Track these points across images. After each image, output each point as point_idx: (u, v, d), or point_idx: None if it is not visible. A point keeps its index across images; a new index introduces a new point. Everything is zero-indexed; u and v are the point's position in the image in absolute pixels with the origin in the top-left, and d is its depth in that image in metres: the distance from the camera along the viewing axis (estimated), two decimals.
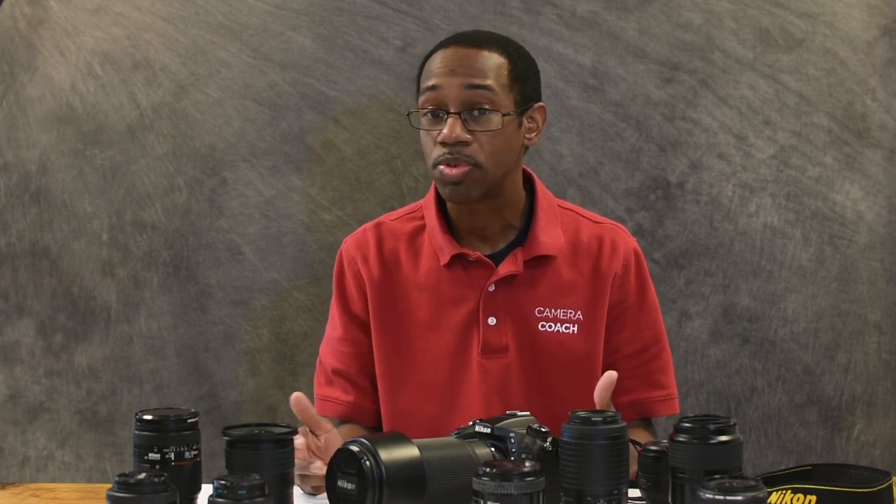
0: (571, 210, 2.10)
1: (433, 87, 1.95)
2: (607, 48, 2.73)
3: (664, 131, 2.73)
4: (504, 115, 1.95)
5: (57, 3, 2.78)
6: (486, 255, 2.03)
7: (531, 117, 2.02)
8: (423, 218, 2.09)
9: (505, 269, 2.01)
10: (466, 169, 1.94)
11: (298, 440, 1.76)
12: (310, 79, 2.76)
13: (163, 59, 2.77)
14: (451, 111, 1.94)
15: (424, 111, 1.97)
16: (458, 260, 2.03)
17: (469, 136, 1.94)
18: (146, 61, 2.78)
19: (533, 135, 2.03)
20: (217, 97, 2.77)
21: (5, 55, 2.79)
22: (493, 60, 1.97)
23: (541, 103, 2.03)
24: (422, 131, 1.98)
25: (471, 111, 1.94)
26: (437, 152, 1.95)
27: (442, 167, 1.95)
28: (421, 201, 2.13)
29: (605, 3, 2.72)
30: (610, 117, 2.73)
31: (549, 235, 2.03)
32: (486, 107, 1.95)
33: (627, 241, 2.07)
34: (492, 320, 2.01)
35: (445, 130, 1.93)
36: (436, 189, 2.08)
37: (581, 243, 2.04)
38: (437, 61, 1.97)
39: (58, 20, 2.78)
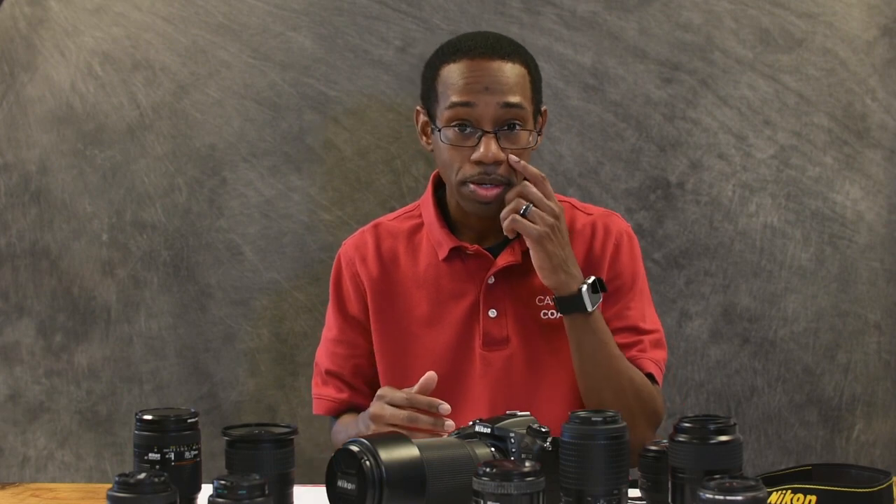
0: (566, 201, 2.11)
1: (467, 104, 1.94)
2: (607, 48, 2.73)
3: (664, 131, 2.73)
4: (532, 131, 1.97)
5: (57, 3, 2.78)
6: (484, 248, 2.03)
7: (541, 120, 2.03)
8: (420, 216, 2.10)
9: (504, 260, 2.02)
10: (500, 190, 1.96)
11: (400, 395, 1.78)
12: (310, 79, 2.76)
13: (163, 59, 2.77)
14: (487, 129, 1.94)
15: (456, 126, 1.96)
16: (456, 254, 2.04)
17: (504, 155, 1.94)
18: (146, 61, 2.78)
19: (540, 137, 2.04)
20: (217, 97, 2.77)
21: (5, 55, 2.79)
22: (518, 72, 1.97)
23: (544, 107, 2.05)
24: (444, 145, 1.97)
25: (503, 129, 1.95)
26: (469, 170, 1.95)
27: (474, 187, 1.95)
28: (418, 201, 2.14)
29: (605, 3, 2.72)
30: (610, 117, 2.73)
31: None
32: (519, 125, 1.96)
33: (619, 225, 2.09)
34: (492, 312, 2.02)
35: (482, 149, 1.93)
36: (433, 187, 2.09)
37: (576, 230, 2.06)
38: (465, 74, 1.95)
39: (58, 20, 2.78)
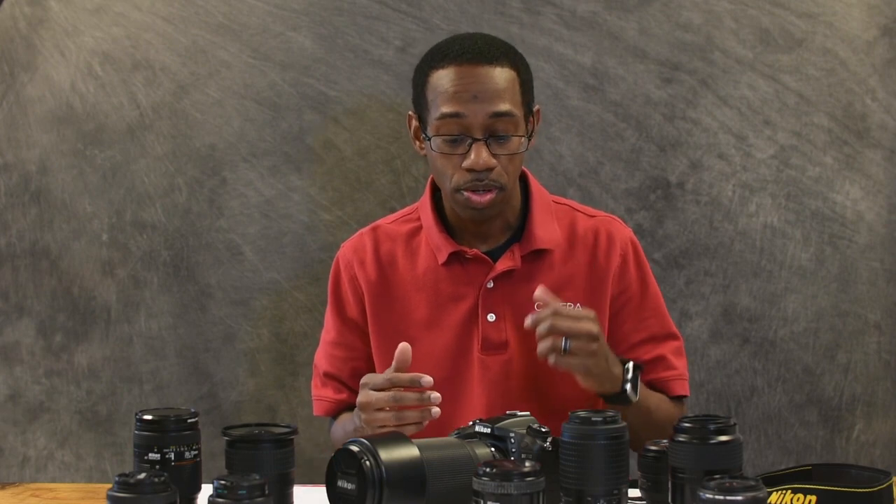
0: (566, 205, 2.11)
1: (457, 115, 1.92)
2: (607, 48, 2.73)
3: (664, 131, 2.73)
4: (523, 137, 1.96)
5: (57, 3, 2.78)
6: (483, 252, 2.03)
7: (532, 122, 2.02)
8: (419, 219, 2.09)
9: (503, 265, 2.01)
10: (493, 195, 1.95)
11: (381, 378, 1.77)
12: (310, 79, 2.76)
13: (163, 59, 2.77)
14: (477, 137, 1.93)
15: (446, 136, 1.94)
16: (455, 258, 2.03)
17: (495, 161, 1.93)
18: (146, 61, 2.78)
19: (532, 136, 2.03)
20: (217, 97, 2.77)
21: (5, 55, 2.79)
22: (506, 76, 1.95)
23: (537, 106, 2.04)
24: (435, 153, 1.96)
25: (494, 136, 1.94)
26: (461, 178, 1.94)
27: (468, 194, 1.95)
28: (416, 204, 2.13)
29: (605, 3, 2.72)
30: (610, 117, 2.73)
31: (546, 230, 2.03)
32: (510, 133, 1.94)
33: (623, 233, 2.08)
34: (491, 317, 2.01)
35: (473, 157, 1.92)
36: (431, 190, 2.09)
37: (577, 236, 2.05)
38: (452, 83, 1.94)
39: (58, 20, 2.78)
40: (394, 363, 1.79)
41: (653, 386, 2.06)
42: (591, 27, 2.73)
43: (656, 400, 1.99)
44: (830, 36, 2.71)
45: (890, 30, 2.71)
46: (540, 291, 1.85)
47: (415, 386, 1.75)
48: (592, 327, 1.81)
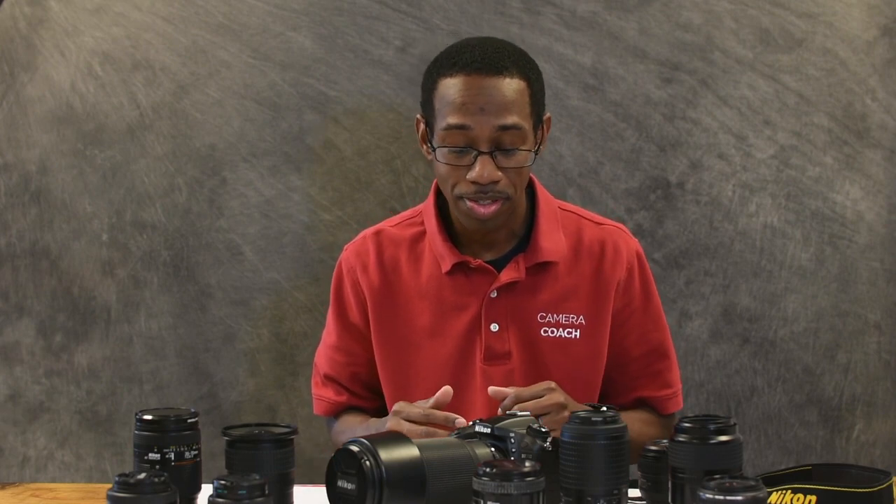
0: (573, 212, 2.09)
1: (463, 127, 1.90)
2: (607, 48, 2.73)
3: (664, 131, 2.73)
4: (530, 151, 1.94)
5: (57, 3, 2.78)
6: (487, 262, 2.02)
7: (541, 131, 2.01)
8: (422, 223, 2.07)
9: (507, 275, 2.00)
10: (498, 205, 1.94)
11: (416, 411, 1.79)
12: (310, 79, 2.76)
13: (163, 59, 2.77)
14: (483, 150, 1.91)
15: (452, 147, 1.93)
16: (459, 267, 2.02)
17: (500, 174, 1.92)
18: (146, 61, 2.78)
19: (540, 146, 2.01)
20: (217, 97, 2.77)
21: (5, 55, 2.79)
22: (515, 87, 1.92)
23: (547, 114, 2.02)
24: (440, 158, 1.95)
25: (500, 148, 1.92)
26: (465, 188, 1.93)
27: (472, 204, 1.93)
28: (420, 206, 2.11)
29: (605, 3, 2.72)
30: (610, 117, 2.73)
31: (551, 241, 2.02)
32: (517, 146, 1.92)
33: (630, 245, 2.07)
34: (494, 327, 2.00)
35: (478, 170, 1.90)
36: (435, 195, 2.07)
37: (583, 246, 2.04)
38: (460, 93, 1.91)
39: (58, 20, 2.78)
40: (433, 400, 1.82)
41: (645, 403, 2.07)
42: (591, 27, 2.73)
43: (638, 427, 1.94)
44: (830, 36, 2.71)
45: (890, 30, 2.71)
46: (492, 391, 1.84)
47: (448, 425, 1.76)
48: (558, 397, 1.82)
